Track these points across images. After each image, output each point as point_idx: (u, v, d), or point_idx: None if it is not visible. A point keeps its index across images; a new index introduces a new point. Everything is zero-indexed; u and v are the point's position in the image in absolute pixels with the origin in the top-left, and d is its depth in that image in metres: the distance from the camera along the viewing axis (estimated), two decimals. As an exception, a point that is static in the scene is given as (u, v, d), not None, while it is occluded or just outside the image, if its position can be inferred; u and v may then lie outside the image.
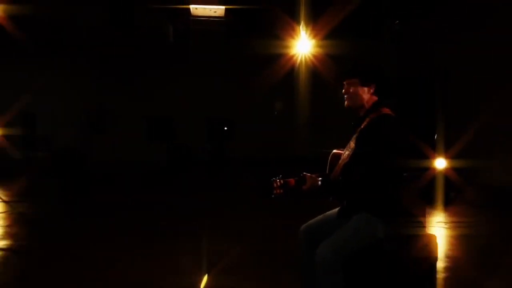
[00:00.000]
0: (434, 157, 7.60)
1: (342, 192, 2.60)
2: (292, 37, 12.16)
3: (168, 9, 12.81)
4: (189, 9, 12.81)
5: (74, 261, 4.34)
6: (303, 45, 11.90)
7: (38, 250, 4.82)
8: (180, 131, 14.96)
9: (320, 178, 2.55)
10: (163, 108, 14.67)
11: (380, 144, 2.45)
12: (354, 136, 2.65)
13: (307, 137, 13.59)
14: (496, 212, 6.88)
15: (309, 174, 2.60)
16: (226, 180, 10.97)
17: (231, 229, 5.74)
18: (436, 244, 2.64)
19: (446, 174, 7.44)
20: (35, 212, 6.86)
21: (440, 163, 7.54)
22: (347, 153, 2.65)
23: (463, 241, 5.46)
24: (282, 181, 2.65)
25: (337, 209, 2.79)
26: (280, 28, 12.05)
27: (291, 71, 13.24)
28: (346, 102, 2.70)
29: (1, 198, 7.37)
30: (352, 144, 2.64)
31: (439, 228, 5.94)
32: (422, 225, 2.68)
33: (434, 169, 7.50)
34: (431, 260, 2.62)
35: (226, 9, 12.75)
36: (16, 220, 6.30)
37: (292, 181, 2.67)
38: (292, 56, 12.70)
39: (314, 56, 12.14)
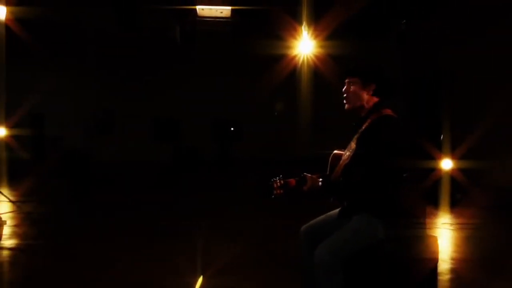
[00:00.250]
0: (440, 158, 7.54)
1: (343, 192, 2.60)
2: (297, 38, 12.13)
3: (174, 10, 12.82)
4: (195, 10, 12.81)
5: (75, 261, 4.36)
6: (307, 46, 11.87)
7: (41, 249, 4.85)
8: (186, 132, 14.99)
9: (320, 179, 2.55)
10: (170, 109, 14.71)
11: (381, 145, 2.45)
12: (355, 137, 2.64)
13: (313, 138, 13.55)
14: (503, 214, 6.81)
15: (309, 175, 2.60)
16: (230, 181, 10.98)
17: (232, 229, 5.75)
18: (437, 245, 2.62)
19: (452, 175, 7.38)
20: (41, 212, 6.90)
21: (446, 164, 7.48)
22: (348, 153, 2.65)
23: (469, 242, 5.43)
24: (282, 182, 2.66)
25: (338, 209, 2.79)
26: (285, 29, 12.03)
27: (296, 71, 13.23)
28: (346, 104, 2.69)
29: (9, 198, 7.42)
30: (353, 144, 2.64)
31: (444, 230, 5.91)
32: (423, 226, 2.66)
33: (440, 170, 7.44)
34: (432, 261, 2.61)
35: (232, 9, 12.73)
36: (23, 219, 6.35)
37: (292, 181, 2.68)
38: (295, 56, 12.69)
39: (319, 56, 12.11)
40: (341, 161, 2.70)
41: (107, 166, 12.45)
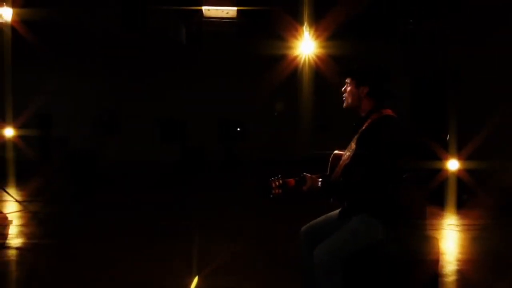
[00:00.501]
0: (446, 159, 7.46)
1: (343, 193, 2.58)
2: (298, 38, 12.13)
3: (180, 11, 12.88)
4: (201, 10, 12.86)
5: (75, 261, 4.38)
6: (309, 46, 11.88)
7: (44, 249, 4.88)
8: (192, 132, 15.02)
9: (320, 179, 2.54)
10: (176, 109, 14.75)
11: (381, 145, 2.44)
12: (355, 137, 2.63)
13: (318, 138, 13.51)
14: (509, 215, 6.72)
15: (309, 175, 2.59)
16: (234, 181, 10.98)
17: (232, 229, 5.75)
18: (438, 246, 2.59)
19: (458, 176, 7.30)
20: (46, 212, 6.95)
21: (453, 165, 7.40)
22: (348, 154, 2.65)
23: (475, 243, 5.37)
24: (280, 181, 2.65)
25: (338, 210, 2.77)
26: (288, 29, 12.03)
27: (298, 71, 13.23)
28: (344, 102, 2.73)
29: (14, 198, 7.47)
30: (353, 145, 2.63)
31: (450, 231, 5.85)
32: (423, 227, 2.64)
33: (446, 170, 7.37)
34: (433, 262, 2.57)
35: (238, 10, 12.76)
36: (28, 219, 6.38)
37: (292, 181, 2.67)
38: (296, 56, 12.69)
39: (320, 56, 12.10)
40: (341, 161, 2.69)
41: (113, 166, 12.51)
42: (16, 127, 11.90)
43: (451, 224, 6.15)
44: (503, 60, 8.12)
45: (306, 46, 11.86)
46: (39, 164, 12.45)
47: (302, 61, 12.59)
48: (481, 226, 6.10)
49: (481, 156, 7.09)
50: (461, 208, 6.98)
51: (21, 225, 5.91)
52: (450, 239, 5.55)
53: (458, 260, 4.56)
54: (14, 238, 5.19)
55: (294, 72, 13.19)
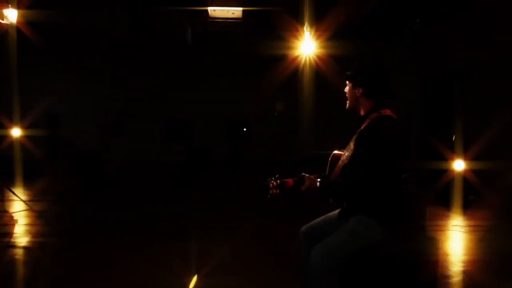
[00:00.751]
0: (452, 159, 7.40)
1: (341, 193, 2.57)
2: (305, 38, 12.10)
3: (186, 11, 12.89)
4: (207, 11, 12.86)
5: (75, 261, 4.39)
6: (313, 45, 11.86)
7: (46, 248, 4.89)
8: (198, 132, 15.04)
9: (318, 180, 2.52)
10: (182, 109, 14.78)
11: (379, 146, 2.43)
12: (354, 137, 2.62)
13: (324, 138, 13.45)
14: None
15: (307, 175, 2.58)
16: (238, 181, 10.96)
17: (232, 229, 5.74)
18: (437, 247, 2.56)
19: (464, 176, 7.23)
20: (51, 211, 6.98)
21: (459, 165, 7.33)
22: (346, 154, 2.64)
23: (481, 244, 5.33)
24: (278, 182, 2.63)
25: (337, 210, 2.76)
26: (293, 29, 12.01)
27: (299, 71, 13.20)
28: (347, 104, 2.75)
29: (19, 197, 7.52)
30: (351, 145, 2.62)
31: (456, 232, 5.79)
32: (423, 228, 2.61)
33: (452, 171, 7.30)
34: (433, 263, 2.54)
35: (243, 10, 12.74)
36: (34, 218, 6.42)
37: (290, 181, 2.66)
38: (298, 56, 12.67)
39: (327, 56, 12.07)
40: (340, 162, 2.68)
41: (120, 166, 12.56)
42: (24, 127, 12.00)
43: (456, 225, 6.09)
44: (511, 61, 8.02)
45: (307, 46, 11.86)
46: (46, 164, 12.55)
47: (303, 61, 12.57)
48: (487, 227, 6.05)
49: (487, 157, 7.02)
50: (467, 208, 6.92)
51: (26, 224, 5.96)
52: (456, 240, 5.50)
53: (464, 261, 4.52)
54: (19, 237, 5.24)
55: (298, 71, 13.16)
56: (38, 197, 8.13)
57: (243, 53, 13.68)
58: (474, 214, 6.70)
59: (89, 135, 14.01)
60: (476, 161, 7.22)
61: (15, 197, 7.45)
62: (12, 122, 11.78)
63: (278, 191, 2.63)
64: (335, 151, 2.81)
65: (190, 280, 3.66)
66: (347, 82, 2.72)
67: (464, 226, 6.04)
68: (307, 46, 11.90)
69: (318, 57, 12.12)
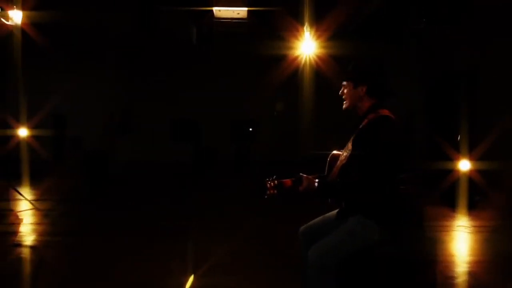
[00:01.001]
0: (457, 159, 7.32)
1: (340, 193, 2.55)
2: (306, 38, 12.09)
3: (191, 12, 12.92)
4: (212, 11, 12.88)
5: (75, 261, 4.40)
6: (314, 45, 11.86)
7: (48, 248, 4.91)
8: (205, 132, 15.05)
9: (316, 180, 2.51)
10: (188, 109, 14.78)
11: (377, 146, 2.42)
12: (352, 137, 2.60)
13: (329, 137, 13.39)
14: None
15: (305, 175, 2.57)
16: (243, 181, 10.96)
17: (232, 229, 5.73)
18: (435, 247, 2.53)
19: (470, 177, 7.16)
20: (56, 211, 7.01)
21: (464, 165, 7.26)
22: (345, 154, 2.64)
23: (486, 245, 5.28)
24: (276, 182, 2.63)
25: (336, 210, 2.75)
26: (296, 29, 12.00)
27: (298, 71, 13.19)
28: (343, 105, 2.71)
29: (24, 197, 7.58)
30: (349, 145, 2.62)
31: (460, 232, 5.74)
32: (421, 228, 2.59)
33: (457, 171, 7.23)
34: (430, 263, 2.52)
35: (248, 11, 12.74)
36: (39, 217, 6.46)
37: (288, 181, 2.65)
38: (300, 56, 12.67)
39: (321, 56, 12.06)
40: (338, 162, 2.68)
41: (126, 166, 12.60)
42: (30, 127, 12.10)
43: (462, 226, 6.04)
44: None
45: (308, 46, 11.86)
46: (53, 164, 12.64)
47: (303, 60, 12.56)
48: (492, 228, 6.00)
49: (493, 157, 6.94)
50: (473, 209, 6.85)
51: (31, 223, 6.01)
52: (461, 240, 5.45)
53: (469, 262, 4.49)
54: (24, 236, 5.29)
55: (298, 71, 13.15)
56: (43, 197, 8.19)
57: (248, 53, 13.67)
58: (480, 214, 6.64)
59: (95, 135, 14.07)
60: (481, 161, 7.14)
61: (20, 197, 7.52)
62: (18, 122, 11.88)
63: (275, 191, 2.63)
64: (334, 151, 2.80)
65: (186, 280, 3.65)
66: (346, 82, 2.68)
67: (469, 227, 5.98)
68: (308, 46, 11.89)
69: (318, 57, 12.11)
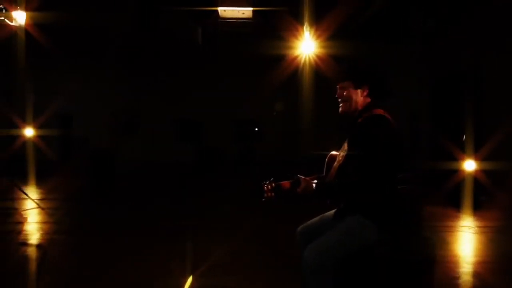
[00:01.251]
0: (462, 159, 7.27)
1: (337, 194, 2.53)
2: (298, 39, 12.10)
3: (196, 12, 12.97)
4: (217, 11, 12.92)
5: (75, 261, 4.39)
6: (309, 46, 11.84)
7: (48, 247, 4.91)
8: (209, 132, 15.08)
9: (314, 182, 2.49)
10: (192, 109, 14.83)
11: (372, 145, 2.38)
12: (348, 137, 2.60)
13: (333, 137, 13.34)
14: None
15: (303, 177, 2.56)
16: (246, 181, 10.94)
17: (232, 229, 5.72)
18: (433, 247, 2.51)
19: (475, 177, 7.10)
20: (60, 210, 7.05)
21: (469, 165, 7.19)
22: (341, 154, 2.62)
23: (491, 246, 5.21)
24: (273, 185, 2.62)
25: (334, 210, 2.73)
26: (300, 29, 11.99)
27: (299, 71, 13.18)
28: (340, 108, 2.65)
29: (28, 196, 7.63)
30: (346, 145, 2.60)
31: (464, 232, 5.69)
32: (420, 227, 2.56)
33: (462, 171, 7.17)
34: (428, 263, 2.49)
35: (253, 10, 12.76)
36: (43, 216, 6.49)
37: (286, 183, 2.65)
38: (300, 56, 12.65)
39: (320, 56, 12.03)
40: (335, 162, 2.65)
41: (131, 166, 12.66)
42: (36, 127, 12.18)
43: (466, 226, 5.99)
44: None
45: (309, 46, 11.86)
46: (59, 164, 12.72)
47: (302, 60, 12.56)
48: (497, 228, 5.94)
49: (498, 157, 6.88)
50: (478, 209, 6.79)
51: (35, 222, 6.05)
52: (466, 240, 5.41)
53: (473, 262, 4.46)
54: (28, 234, 5.33)
55: (301, 70, 13.15)
56: (48, 196, 8.24)
57: (253, 53, 13.67)
58: (485, 215, 6.58)
59: (100, 135, 14.16)
60: (486, 161, 7.08)
61: (25, 196, 7.57)
62: (24, 122, 11.98)
63: (273, 194, 2.62)
64: (332, 152, 2.77)
65: (185, 280, 3.64)
66: (344, 83, 2.61)
67: (474, 227, 5.92)
68: (308, 46, 11.87)
69: (318, 56, 12.10)
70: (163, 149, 14.50)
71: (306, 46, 12.02)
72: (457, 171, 7.22)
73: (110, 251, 4.70)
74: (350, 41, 10.54)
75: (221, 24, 13.38)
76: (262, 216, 6.31)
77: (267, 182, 2.62)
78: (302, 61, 12.51)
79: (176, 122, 15.28)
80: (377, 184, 2.37)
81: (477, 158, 7.19)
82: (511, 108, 7.59)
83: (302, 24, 11.85)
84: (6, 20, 8.86)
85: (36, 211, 6.80)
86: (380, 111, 2.53)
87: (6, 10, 8.95)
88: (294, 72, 12.85)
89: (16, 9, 9.03)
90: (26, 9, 9.36)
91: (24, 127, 11.92)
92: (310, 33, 11.63)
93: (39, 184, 9.63)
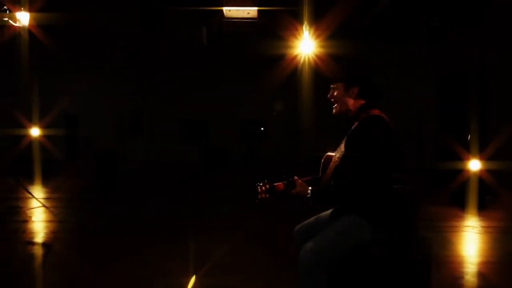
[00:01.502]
0: (467, 159, 7.21)
1: (333, 196, 2.52)
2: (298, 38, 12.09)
3: (201, 12, 12.97)
4: (222, 11, 12.90)
5: (75, 261, 4.40)
6: (309, 45, 11.81)
7: (49, 247, 4.93)
8: (214, 132, 15.09)
9: (310, 188, 2.48)
10: (198, 109, 14.85)
11: (369, 146, 2.37)
12: (345, 138, 2.59)
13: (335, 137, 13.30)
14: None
15: (299, 180, 2.56)
16: (248, 181, 10.92)
17: (232, 229, 5.72)
18: (430, 247, 2.49)
19: (480, 176, 7.04)
20: (63, 209, 7.10)
21: (475, 165, 7.13)
22: (337, 155, 2.62)
23: (495, 246, 5.17)
24: (267, 186, 2.62)
25: (330, 210, 2.72)
26: (301, 29, 11.96)
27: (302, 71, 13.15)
28: (333, 109, 2.65)
29: (32, 195, 7.69)
30: (342, 146, 2.59)
31: (470, 233, 5.64)
32: (415, 228, 2.55)
33: (467, 171, 7.12)
34: (425, 263, 2.47)
35: (258, 10, 12.73)
36: (44, 215, 6.53)
37: (280, 185, 2.65)
38: (299, 56, 12.63)
39: (319, 56, 12.00)
40: (331, 163, 2.65)
41: (136, 166, 12.71)
42: (42, 127, 12.26)
43: (470, 226, 5.94)
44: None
45: (309, 46, 11.84)
46: (65, 163, 12.79)
47: (302, 59, 12.54)
48: (502, 228, 5.89)
49: (503, 156, 6.82)
50: (483, 209, 6.73)
51: (39, 221, 6.09)
52: (470, 241, 5.37)
53: (478, 263, 4.44)
54: (32, 233, 5.38)
55: (301, 70, 13.14)
56: (53, 195, 8.30)
57: (258, 53, 13.66)
58: (490, 215, 6.53)
59: (106, 135, 14.22)
60: (492, 161, 7.02)
61: (30, 195, 7.64)
62: (30, 122, 12.06)
63: (267, 195, 2.62)
64: (328, 153, 2.77)
65: (189, 280, 3.64)
66: (335, 85, 2.61)
67: (478, 227, 5.87)
68: (308, 46, 11.85)
69: (318, 56, 12.07)
70: (168, 149, 14.54)
71: (306, 45, 11.99)
72: (462, 171, 7.17)
73: (110, 251, 4.71)
74: (351, 41, 10.50)
75: (226, 24, 13.37)
76: (262, 216, 6.30)
77: (261, 184, 2.61)
78: (302, 60, 12.49)
79: (181, 122, 15.32)
80: (373, 184, 2.37)
81: (482, 158, 7.13)
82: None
83: (301, 24, 11.83)
84: (10, 21, 8.92)
85: (41, 210, 6.86)
86: (376, 112, 2.52)
87: (10, 11, 9.00)
88: (294, 71, 12.82)
89: (19, 10, 9.08)
90: (30, 10, 9.41)
91: (30, 127, 12.00)
92: (309, 33, 11.60)
93: (45, 183, 9.70)
